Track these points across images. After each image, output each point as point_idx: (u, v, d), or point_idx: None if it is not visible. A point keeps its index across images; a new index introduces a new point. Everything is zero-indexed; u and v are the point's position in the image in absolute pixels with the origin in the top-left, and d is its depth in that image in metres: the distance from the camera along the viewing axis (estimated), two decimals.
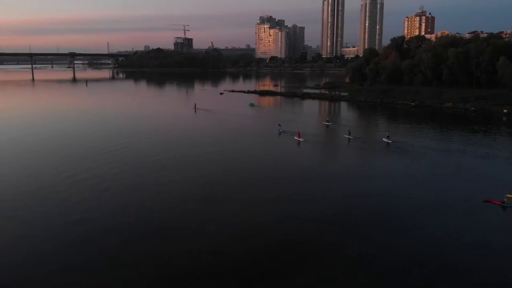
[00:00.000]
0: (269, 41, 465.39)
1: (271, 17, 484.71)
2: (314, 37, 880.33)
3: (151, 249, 26.82)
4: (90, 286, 22.70)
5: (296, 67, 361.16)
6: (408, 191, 38.70)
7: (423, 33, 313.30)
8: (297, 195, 37.13)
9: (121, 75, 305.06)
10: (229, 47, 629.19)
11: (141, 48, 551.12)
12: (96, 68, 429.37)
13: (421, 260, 25.30)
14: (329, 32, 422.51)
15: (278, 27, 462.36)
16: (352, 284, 23.08)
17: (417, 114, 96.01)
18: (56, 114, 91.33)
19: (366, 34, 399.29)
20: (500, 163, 49.68)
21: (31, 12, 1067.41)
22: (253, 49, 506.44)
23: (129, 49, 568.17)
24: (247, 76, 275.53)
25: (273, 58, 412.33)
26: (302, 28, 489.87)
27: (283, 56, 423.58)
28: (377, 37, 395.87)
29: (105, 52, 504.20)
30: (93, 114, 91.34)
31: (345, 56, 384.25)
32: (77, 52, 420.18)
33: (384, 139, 60.91)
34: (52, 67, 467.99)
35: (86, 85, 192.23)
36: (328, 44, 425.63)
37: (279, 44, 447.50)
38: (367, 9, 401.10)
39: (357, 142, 60.78)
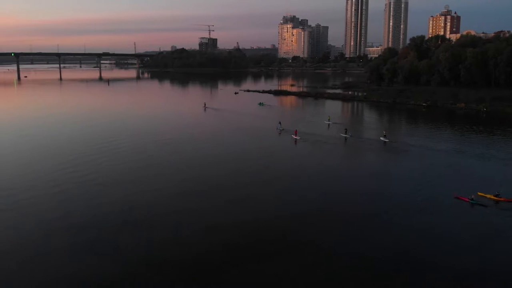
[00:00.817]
0: (291, 40, 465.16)
1: (294, 16, 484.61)
2: (338, 37, 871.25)
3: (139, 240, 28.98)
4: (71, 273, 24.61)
5: (318, 67, 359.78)
6: (392, 189, 39.36)
7: (448, 32, 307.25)
8: (281, 193, 38.37)
9: (146, 75, 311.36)
10: (255, 47, 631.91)
11: (168, 48, 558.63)
12: (122, 68, 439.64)
13: (387, 253, 26.60)
14: (352, 31, 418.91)
15: (301, 27, 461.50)
16: (328, 275, 24.38)
17: (427, 114, 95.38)
18: (74, 114, 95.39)
19: (390, 34, 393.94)
20: (492, 163, 49.41)
21: (60, 12, 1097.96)
22: (277, 49, 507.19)
23: (156, 49, 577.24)
24: (268, 76, 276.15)
25: (295, 58, 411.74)
26: (326, 28, 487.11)
27: (305, 55, 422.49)
28: (401, 36, 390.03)
29: (132, 52, 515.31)
30: (105, 113, 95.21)
31: (369, 55, 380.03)
32: (105, 52, 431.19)
33: (381, 138, 61.38)
34: (81, 66, 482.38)
35: (108, 84, 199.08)
36: (352, 43, 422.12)
37: (302, 44, 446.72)
38: (391, 8, 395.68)
39: (353, 141, 61.45)
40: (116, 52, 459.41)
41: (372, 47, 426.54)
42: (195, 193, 38.07)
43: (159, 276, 24.00)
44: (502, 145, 59.87)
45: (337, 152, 56.20)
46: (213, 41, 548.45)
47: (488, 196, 35.30)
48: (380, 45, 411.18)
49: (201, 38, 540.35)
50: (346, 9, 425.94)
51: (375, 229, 30.56)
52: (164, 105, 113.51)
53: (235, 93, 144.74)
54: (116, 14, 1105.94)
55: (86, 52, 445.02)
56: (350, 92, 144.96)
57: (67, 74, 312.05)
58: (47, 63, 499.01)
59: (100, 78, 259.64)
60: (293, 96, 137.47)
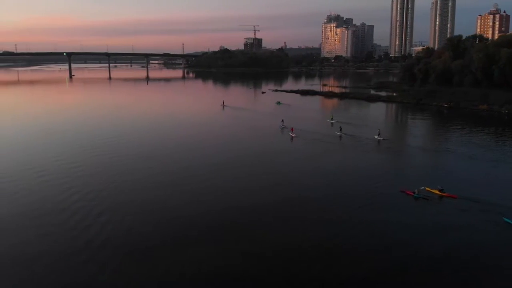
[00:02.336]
0: (335, 40, 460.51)
1: (338, 16, 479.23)
2: (385, 36, 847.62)
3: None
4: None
5: (360, 67, 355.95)
6: (354, 185, 40.65)
7: (496, 32, 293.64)
8: (249, 185, 41.41)
9: (191, 75, 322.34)
10: (302, 47, 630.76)
11: (217, 49, 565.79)
12: (170, 68, 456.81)
13: (325, 244, 28.73)
14: (397, 30, 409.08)
15: (345, 26, 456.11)
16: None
17: (445, 116, 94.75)
18: (98, 111, 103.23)
19: (437, 33, 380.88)
20: (478, 164, 49.48)
21: (111, 13, 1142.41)
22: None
23: (205, 50, 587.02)
24: (308, 76, 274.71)
25: (337, 57, 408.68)
26: (371, 27, 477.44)
27: (348, 55, 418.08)
28: (448, 35, 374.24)
29: (180, 52, 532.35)
30: (125, 112, 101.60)
31: (413, 55, 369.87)
32: (154, 52, 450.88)
33: (375, 137, 62.75)
34: (131, 66, 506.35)
35: (147, 83, 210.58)
36: (397, 43, 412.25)
37: (345, 43, 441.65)
38: (438, 6, 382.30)
39: (348, 139, 62.90)
40: (165, 52, 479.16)
41: (418, 47, 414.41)
42: (173, 184, 41.78)
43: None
44: (502, 146, 59.38)
45: (325, 150, 57.21)
46: (258, 41, 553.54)
47: (433, 190, 37.01)
48: (426, 45, 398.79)
49: (246, 38, 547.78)
50: (392, 8, 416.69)
51: (319, 222, 32.14)
52: (185, 103, 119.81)
53: (262, 92, 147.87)
54: (165, 15, 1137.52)
55: (134, 52, 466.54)
56: (380, 93, 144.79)
57: (116, 73, 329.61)
58: (99, 63, 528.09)
59: (147, 78, 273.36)
60: (318, 96, 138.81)
